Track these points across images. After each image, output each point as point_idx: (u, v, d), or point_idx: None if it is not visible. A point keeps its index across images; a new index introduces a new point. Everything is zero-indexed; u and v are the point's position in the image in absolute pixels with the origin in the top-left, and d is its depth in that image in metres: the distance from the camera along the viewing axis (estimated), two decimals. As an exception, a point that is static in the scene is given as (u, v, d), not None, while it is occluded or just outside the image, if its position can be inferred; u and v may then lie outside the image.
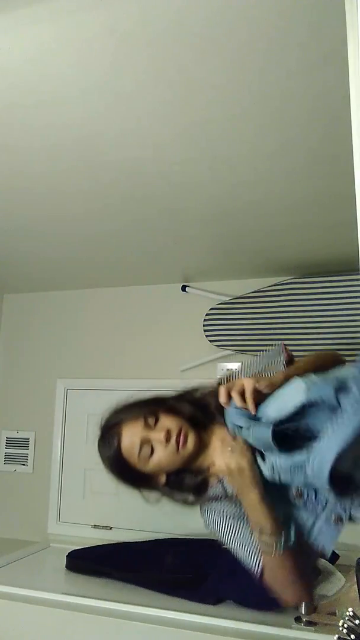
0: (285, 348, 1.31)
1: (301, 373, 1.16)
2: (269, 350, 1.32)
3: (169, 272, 2.76)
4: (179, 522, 2.59)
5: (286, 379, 1.14)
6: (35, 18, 1.13)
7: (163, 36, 1.17)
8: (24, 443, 3.04)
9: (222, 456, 1.14)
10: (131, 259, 2.63)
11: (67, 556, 2.33)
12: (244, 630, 1.61)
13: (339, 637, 0.98)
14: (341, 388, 1.06)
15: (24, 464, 3.02)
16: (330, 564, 1.98)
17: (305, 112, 1.41)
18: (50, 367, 3.06)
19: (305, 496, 1.11)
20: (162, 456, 1.19)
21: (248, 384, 1.11)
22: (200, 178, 1.78)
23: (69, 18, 1.13)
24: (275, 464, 1.08)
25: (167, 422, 1.20)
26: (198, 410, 1.24)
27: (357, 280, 2.34)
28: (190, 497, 1.24)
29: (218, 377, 1.41)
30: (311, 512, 1.12)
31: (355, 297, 2.35)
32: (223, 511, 1.19)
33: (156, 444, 1.19)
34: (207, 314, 2.67)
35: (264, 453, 1.10)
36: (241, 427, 1.13)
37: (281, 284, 2.51)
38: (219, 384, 1.22)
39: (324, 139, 1.53)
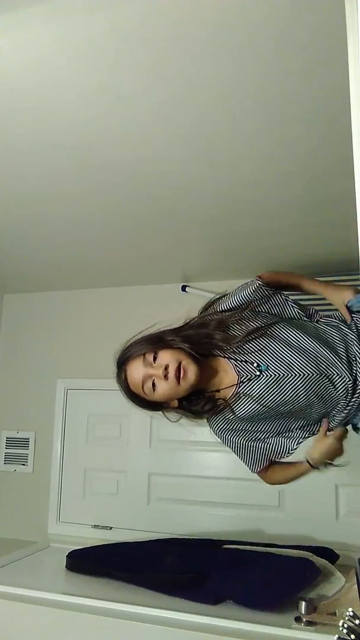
0: (260, 277, 1.40)
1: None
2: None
3: (169, 272, 2.76)
4: (179, 522, 2.60)
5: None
6: (35, 18, 1.13)
7: (163, 36, 1.17)
8: (24, 443, 3.04)
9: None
10: (131, 259, 2.62)
11: (67, 556, 2.33)
12: (244, 630, 1.61)
13: (339, 637, 0.98)
14: None
15: (24, 464, 3.02)
16: (330, 564, 1.98)
17: (305, 112, 1.41)
18: (50, 367, 3.06)
19: None
20: (165, 389, 1.30)
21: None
22: (200, 178, 1.77)
23: (69, 18, 1.13)
24: None
25: (166, 357, 1.30)
26: (197, 342, 1.33)
27: (357, 280, 2.34)
28: (204, 414, 1.39)
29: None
30: None
31: (355, 297, 2.34)
32: (237, 434, 1.39)
33: (157, 380, 1.30)
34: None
35: None
36: None
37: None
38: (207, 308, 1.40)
39: (323, 139, 1.53)
